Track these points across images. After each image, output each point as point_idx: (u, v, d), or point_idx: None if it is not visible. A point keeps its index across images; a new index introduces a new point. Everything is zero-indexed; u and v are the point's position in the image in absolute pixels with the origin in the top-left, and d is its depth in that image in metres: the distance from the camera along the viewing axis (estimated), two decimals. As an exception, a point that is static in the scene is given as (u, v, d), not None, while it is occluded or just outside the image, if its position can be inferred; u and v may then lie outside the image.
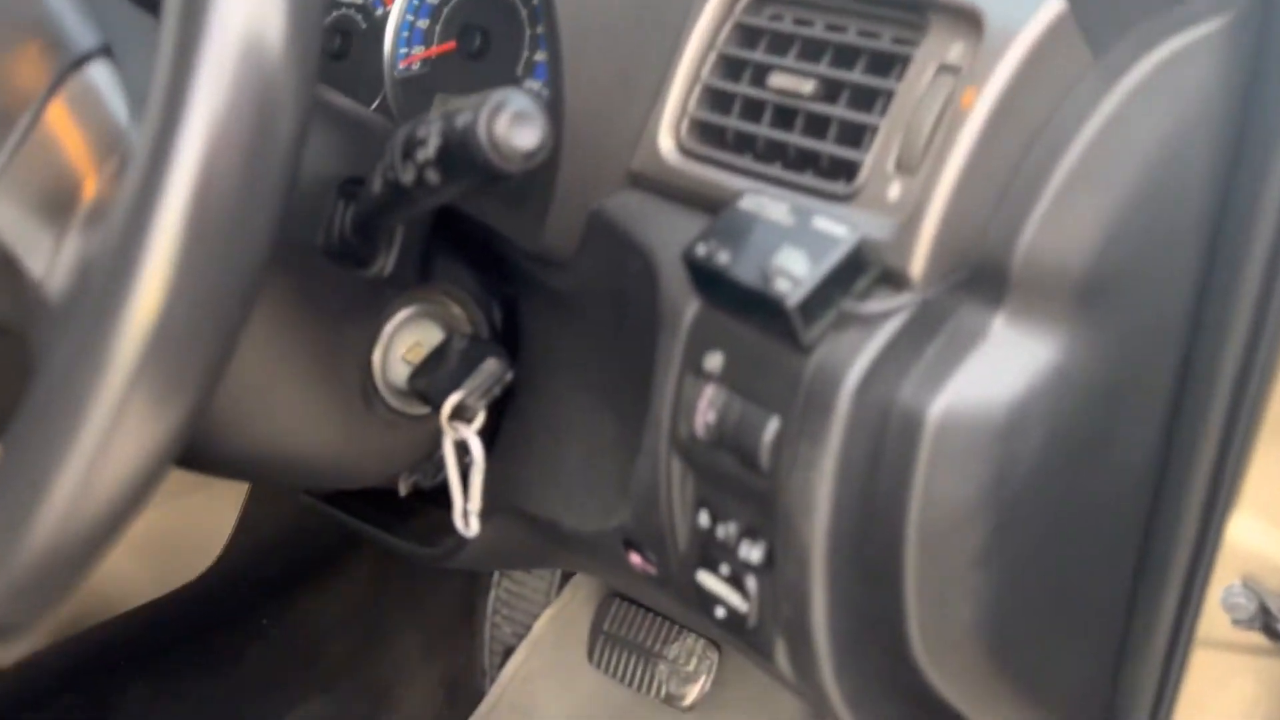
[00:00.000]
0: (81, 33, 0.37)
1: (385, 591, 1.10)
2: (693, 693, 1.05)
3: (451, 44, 0.66)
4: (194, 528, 0.91)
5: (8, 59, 0.35)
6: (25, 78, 0.35)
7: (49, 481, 0.29)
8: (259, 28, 0.30)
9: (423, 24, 0.67)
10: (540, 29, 0.61)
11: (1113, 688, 0.49)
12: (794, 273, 0.37)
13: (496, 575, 1.16)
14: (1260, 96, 0.38)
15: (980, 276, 0.39)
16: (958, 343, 0.39)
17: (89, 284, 0.29)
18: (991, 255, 0.39)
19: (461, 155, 0.38)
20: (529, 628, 1.15)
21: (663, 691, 1.06)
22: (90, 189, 0.34)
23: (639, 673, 1.08)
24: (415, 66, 0.66)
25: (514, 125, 0.36)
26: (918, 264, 0.38)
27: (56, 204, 0.34)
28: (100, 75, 0.36)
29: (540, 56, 0.63)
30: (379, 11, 0.68)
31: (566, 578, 1.13)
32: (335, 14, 0.70)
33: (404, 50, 0.67)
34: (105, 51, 0.37)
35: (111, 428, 0.29)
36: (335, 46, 0.68)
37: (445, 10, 0.67)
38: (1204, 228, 0.40)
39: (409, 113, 0.64)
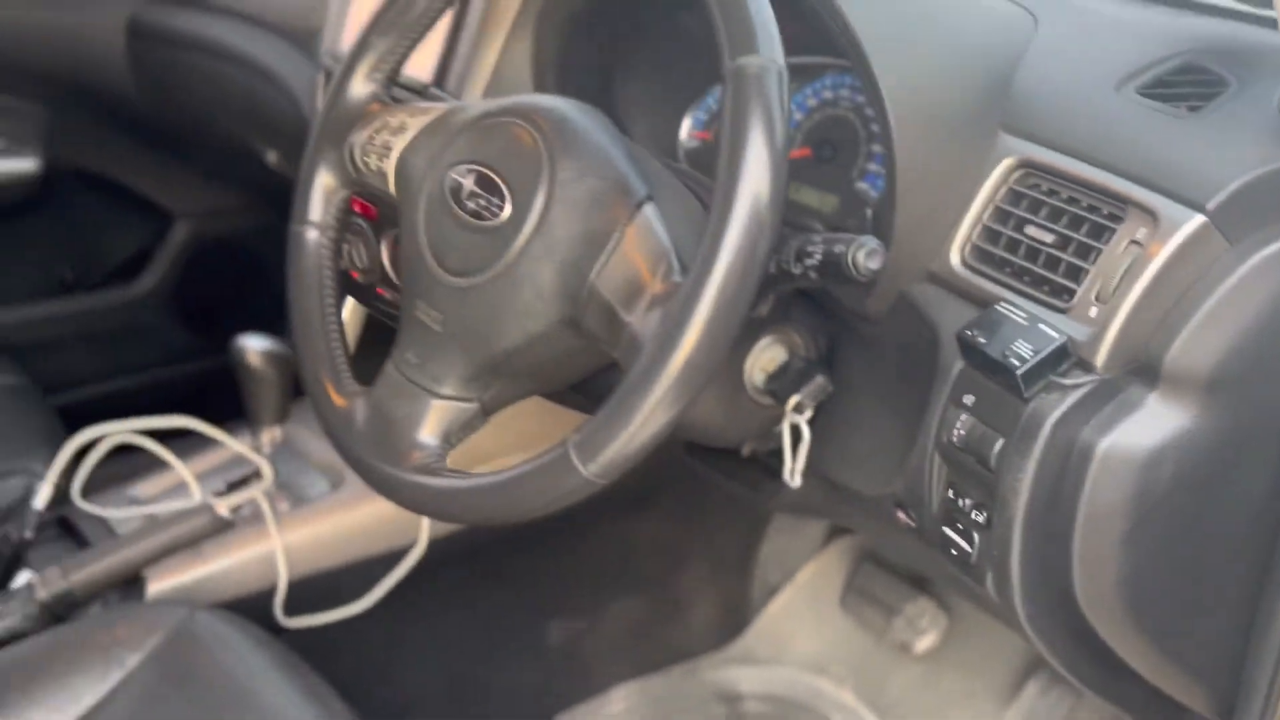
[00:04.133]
0: (639, 185, 0.68)
1: (686, 525, 1.42)
2: (922, 645, 1.31)
3: (808, 151, 0.96)
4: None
5: (599, 203, 0.67)
6: (611, 214, 0.67)
7: (640, 412, 0.61)
8: (760, 195, 0.60)
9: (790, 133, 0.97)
10: (875, 146, 0.90)
11: (1241, 655, 0.71)
12: (1022, 354, 0.63)
13: (772, 527, 1.45)
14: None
15: (1142, 369, 0.64)
16: (1122, 408, 0.64)
17: (657, 335, 0.60)
18: (1150, 357, 0.63)
19: (833, 268, 0.67)
20: (793, 574, 1.44)
21: (898, 640, 1.33)
22: (650, 286, 0.65)
23: (879, 623, 1.35)
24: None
25: (869, 257, 0.65)
26: (1101, 358, 0.63)
27: (631, 292, 0.65)
28: (651, 212, 0.67)
29: (872, 167, 0.91)
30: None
31: (830, 538, 1.41)
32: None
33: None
34: (650, 197, 0.68)
35: (660, 402, 0.60)
36: (714, 141, 0.99)
37: (806, 127, 0.96)
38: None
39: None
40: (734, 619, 1.45)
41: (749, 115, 0.61)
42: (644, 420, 0.61)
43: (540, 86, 0.98)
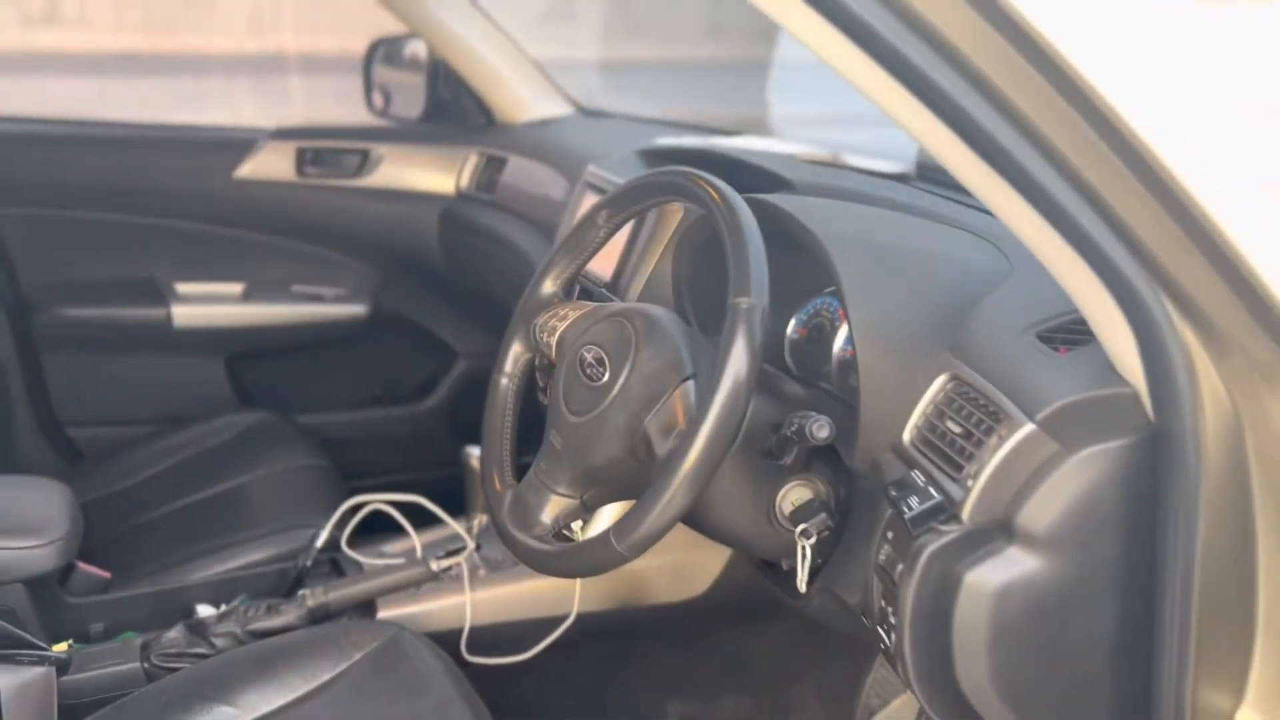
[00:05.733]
0: (689, 366, 1.05)
1: (802, 643, 1.69)
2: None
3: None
4: (694, 566, 1.60)
5: (660, 376, 1.04)
6: (666, 383, 1.04)
7: (654, 510, 0.96)
8: (739, 379, 0.94)
9: (854, 335, 1.29)
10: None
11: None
12: (912, 505, 0.93)
13: (877, 660, 1.70)
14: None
15: (1001, 526, 0.91)
16: (988, 553, 0.91)
17: (669, 457, 0.96)
18: (1006, 518, 0.91)
19: (801, 435, 1.00)
20: (889, 701, 1.67)
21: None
22: (678, 426, 1.01)
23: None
24: (849, 355, 1.29)
25: (819, 429, 0.98)
26: (966, 513, 0.92)
27: (667, 431, 1.02)
28: (690, 385, 1.04)
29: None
30: (836, 323, 1.31)
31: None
32: (816, 319, 1.34)
33: (846, 345, 1.29)
34: (694, 375, 1.05)
35: (673, 496, 0.95)
36: (809, 335, 1.33)
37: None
38: (1121, 524, 0.88)
39: (841, 380, 1.27)
40: (836, 734, 1.69)
41: (737, 334, 0.96)
42: (659, 514, 0.96)
43: (677, 291, 1.37)
